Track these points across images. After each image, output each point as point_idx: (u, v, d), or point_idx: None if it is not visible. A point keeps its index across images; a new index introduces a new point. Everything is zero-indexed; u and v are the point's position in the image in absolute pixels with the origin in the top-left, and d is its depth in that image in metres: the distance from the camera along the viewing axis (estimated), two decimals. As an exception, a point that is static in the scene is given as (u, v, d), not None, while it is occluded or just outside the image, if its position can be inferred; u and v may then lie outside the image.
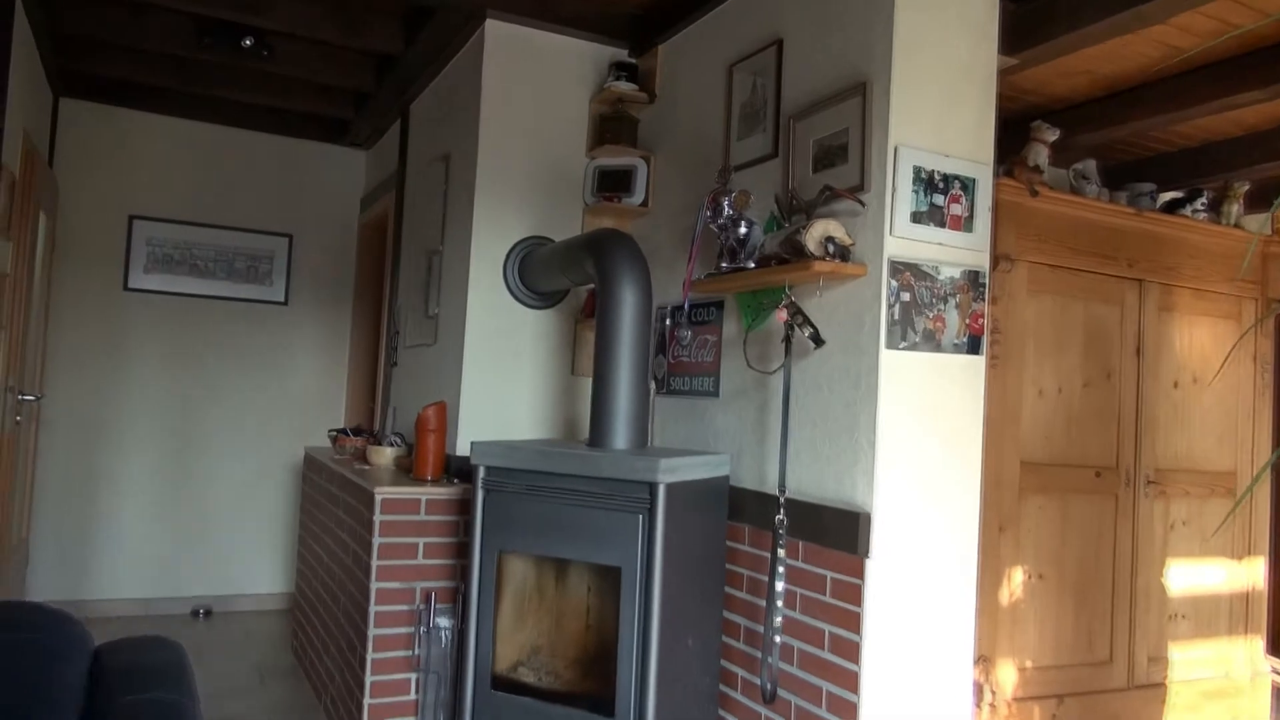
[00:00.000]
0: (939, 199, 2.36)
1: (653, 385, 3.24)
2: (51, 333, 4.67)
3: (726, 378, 2.88)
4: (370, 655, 2.88)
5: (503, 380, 3.39)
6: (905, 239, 2.32)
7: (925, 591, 2.33)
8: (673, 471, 2.40)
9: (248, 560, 5.01)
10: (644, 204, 3.41)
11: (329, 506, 3.63)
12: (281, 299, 5.17)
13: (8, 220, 3.61)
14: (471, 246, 3.38)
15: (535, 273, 3.34)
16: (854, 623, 2.28)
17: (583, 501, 2.47)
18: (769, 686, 2.42)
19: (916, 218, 2.33)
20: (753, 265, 2.58)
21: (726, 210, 2.67)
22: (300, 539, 4.38)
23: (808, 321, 2.42)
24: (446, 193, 3.72)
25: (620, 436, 2.66)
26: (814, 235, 2.33)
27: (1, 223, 3.51)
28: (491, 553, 2.58)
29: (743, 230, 2.64)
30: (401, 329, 4.27)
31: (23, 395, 3.85)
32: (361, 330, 5.19)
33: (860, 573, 2.28)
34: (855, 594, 2.29)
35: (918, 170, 2.33)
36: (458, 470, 3.10)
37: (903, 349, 2.31)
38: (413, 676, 2.92)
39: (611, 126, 3.48)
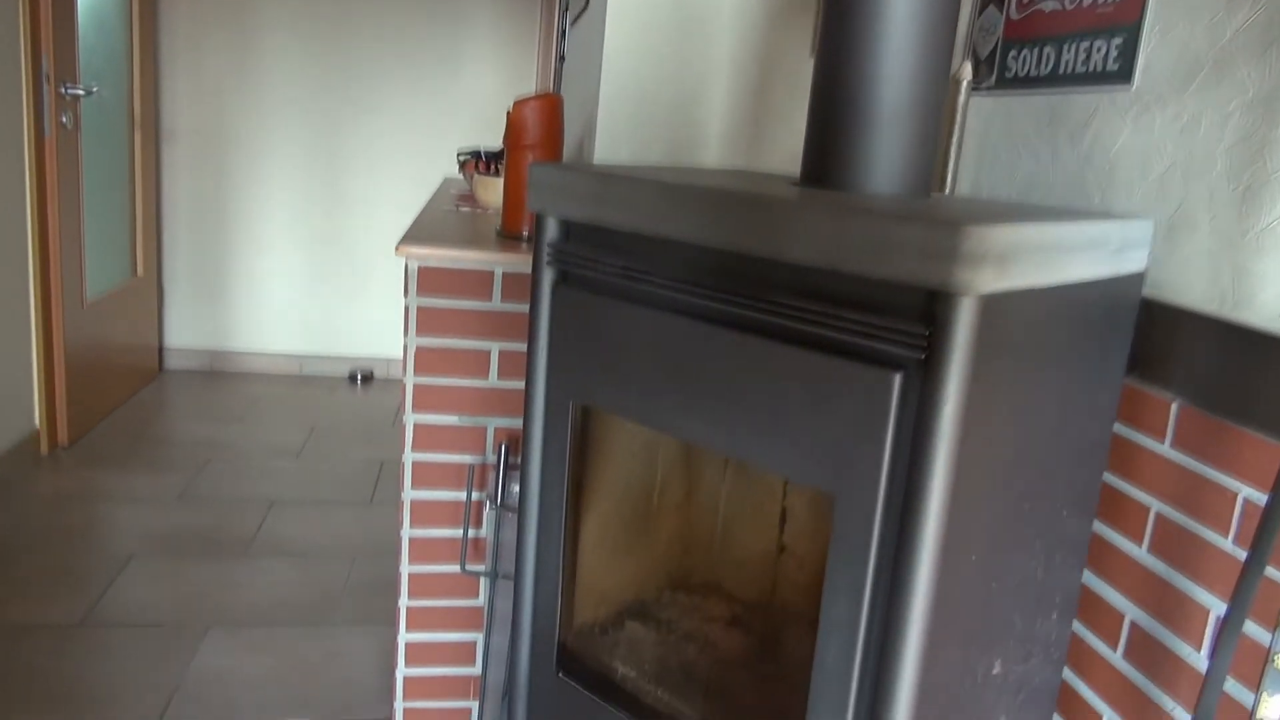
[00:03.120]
0: None
1: (966, 70, 1.57)
2: (163, 14, 3.65)
3: (1161, 38, 1.17)
4: (406, 531, 1.68)
5: (676, 66, 1.85)
6: None
7: None
8: (1006, 261, 0.83)
9: (413, 319, 4.04)
10: None
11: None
12: (447, -26, 3.81)
13: None
14: None
15: None
16: None
17: (757, 323, 0.98)
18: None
19: None
20: None
21: None
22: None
23: None
24: None
25: (872, 167, 1.10)
26: None
27: None
28: (560, 403, 1.20)
29: None
30: (570, 2, 2.78)
31: (68, 88, 2.85)
32: (551, 18, 3.75)
33: None
34: None
35: None
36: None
37: None
38: (480, 576, 1.70)
39: None
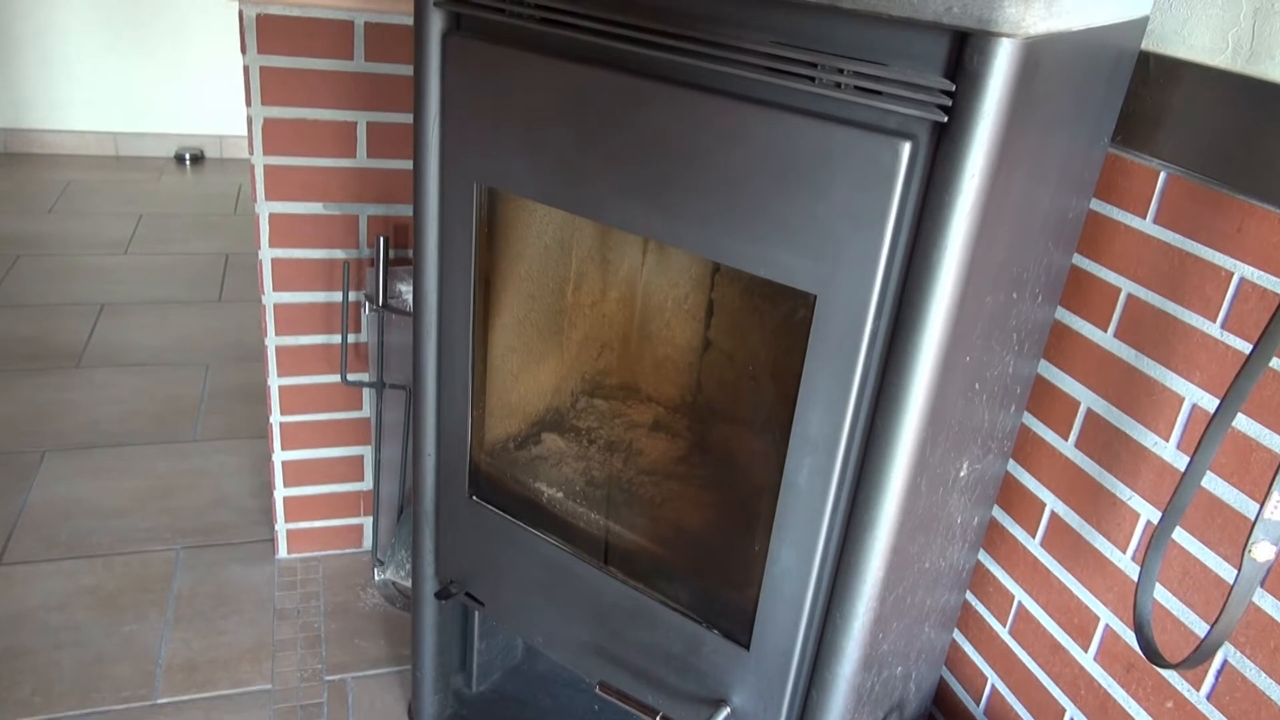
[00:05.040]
0: None
1: None
2: None
3: None
4: (272, 340, 1.45)
5: None
6: None
7: None
8: (1051, -5, 0.65)
9: (246, 89, 3.54)
10: None
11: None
12: None
13: None
14: None
15: None
16: None
17: (720, 78, 0.77)
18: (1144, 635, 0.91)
19: None
20: None
21: None
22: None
23: None
24: None
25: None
26: None
27: None
28: (460, 187, 0.98)
29: None
30: None
31: None
32: None
33: None
34: None
35: None
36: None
37: None
38: (365, 387, 1.51)
39: None
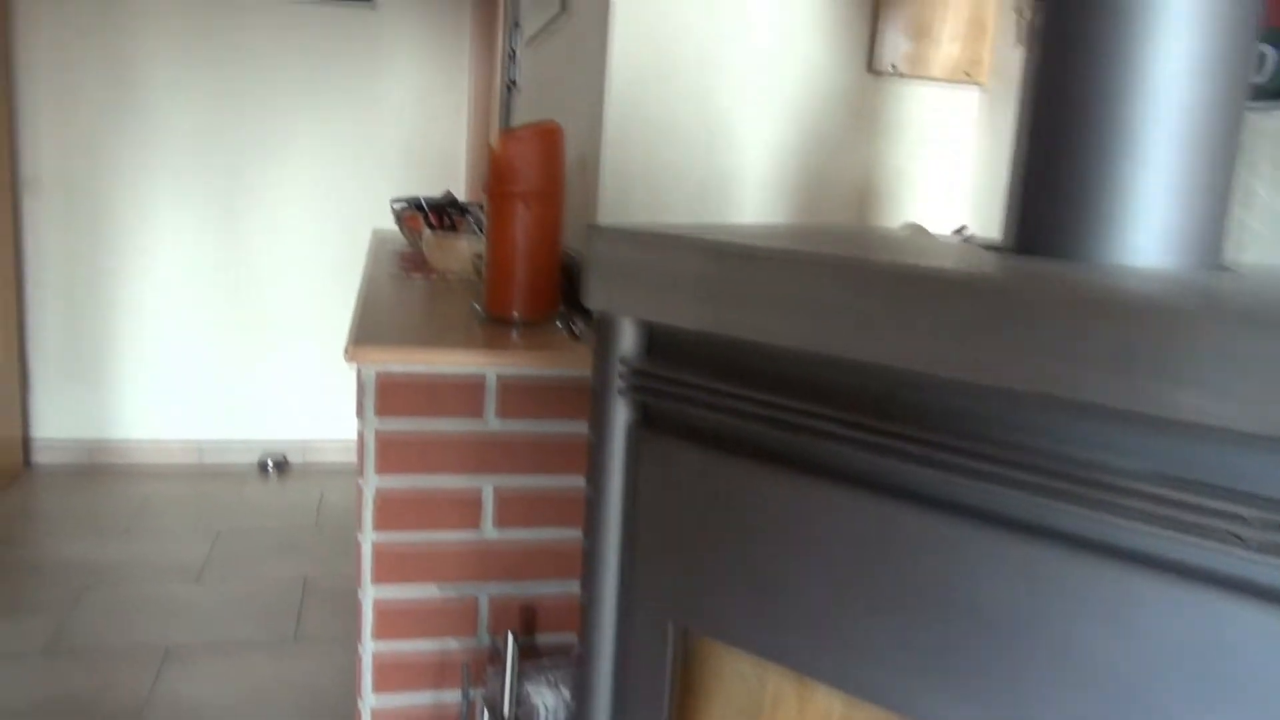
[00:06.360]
0: None
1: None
2: (19, 39, 3.06)
3: None
4: (367, 755, 1.17)
5: (698, 96, 1.42)
6: None
7: None
8: None
9: (336, 392, 3.49)
10: None
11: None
12: (364, -4, 3.33)
13: None
14: None
15: None
16: None
17: (1065, 519, 0.54)
18: None
19: None
20: None
21: None
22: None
23: None
24: None
25: (1141, 226, 0.67)
26: None
27: None
28: (650, 623, 0.73)
29: None
30: (521, 17, 2.34)
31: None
32: (486, 40, 3.30)
33: None
34: None
35: None
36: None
37: None
38: (472, 808, 1.20)
39: None
